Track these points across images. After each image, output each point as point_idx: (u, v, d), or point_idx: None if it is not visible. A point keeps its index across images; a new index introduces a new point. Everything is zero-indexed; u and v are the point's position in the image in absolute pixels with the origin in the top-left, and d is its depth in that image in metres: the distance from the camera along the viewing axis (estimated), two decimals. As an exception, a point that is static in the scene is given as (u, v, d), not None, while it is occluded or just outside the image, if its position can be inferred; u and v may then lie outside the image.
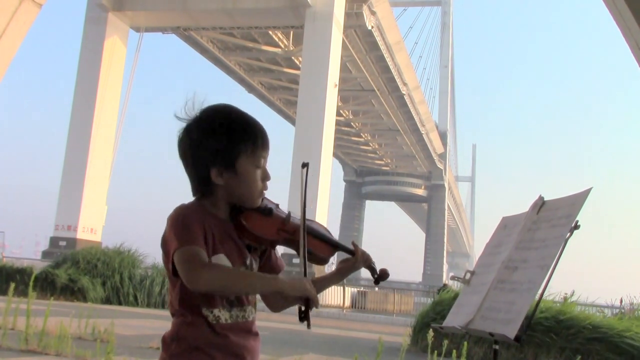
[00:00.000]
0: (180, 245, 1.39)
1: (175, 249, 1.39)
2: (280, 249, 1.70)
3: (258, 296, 1.61)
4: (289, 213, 1.58)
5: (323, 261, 1.60)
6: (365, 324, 17.86)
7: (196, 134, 1.50)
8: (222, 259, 1.47)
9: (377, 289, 28.29)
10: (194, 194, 1.53)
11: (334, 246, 1.62)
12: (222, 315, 1.48)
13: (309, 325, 1.41)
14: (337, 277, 1.66)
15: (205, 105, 1.56)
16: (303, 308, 1.41)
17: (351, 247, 1.67)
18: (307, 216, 1.57)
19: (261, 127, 1.55)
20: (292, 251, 1.59)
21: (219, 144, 1.48)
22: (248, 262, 1.54)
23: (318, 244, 1.57)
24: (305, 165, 1.56)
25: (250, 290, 1.44)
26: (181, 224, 1.43)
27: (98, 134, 36.86)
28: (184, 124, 1.54)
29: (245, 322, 1.52)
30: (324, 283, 1.65)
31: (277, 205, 1.60)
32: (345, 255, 1.70)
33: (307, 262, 1.50)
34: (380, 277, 1.69)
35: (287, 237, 1.54)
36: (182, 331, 1.49)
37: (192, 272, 1.36)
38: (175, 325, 1.53)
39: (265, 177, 1.55)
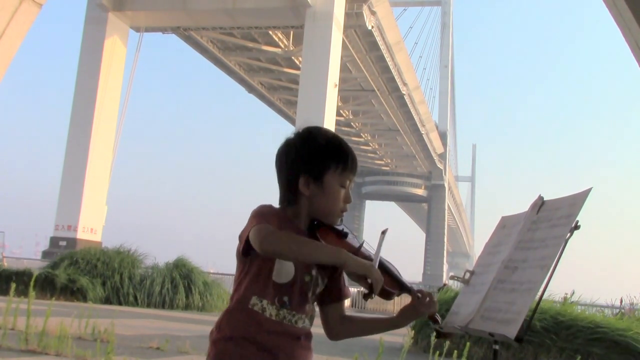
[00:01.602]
0: (258, 223, 1.49)
1: (252, 228, 1.48)
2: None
3: (317, 315, 1.65)
4: (363, 242, 1.64)
5: (388, 295, 1.58)
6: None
7: (295, 144, 1.63)
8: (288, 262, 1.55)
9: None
10: (281, 202, 1.63)
11: (401, 286, 1.62)
12: (269, 310, 1.52)
13: (369, 298, 1.48)
14: (399, 320, 1.67)
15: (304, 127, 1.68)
16: (367, 291, 1.46)
17: (416, 290, 1.66)
18: None
19: (353, 153, 1.65)
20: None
21: (313, 155, 1.60)
22: (314, 273, 1.58)
23: (386, 279, 1.56)
24: (384, 232, 1.63)
25: (315, 255, 1.46)
26: (261, 213, 1.54)
27: (98, 134, 36.88)
28: (286, 138, 1.66)
29: (291, 326, 1.55)
30: (383, 324, 1.69)
31: (355, 235, 1.67)
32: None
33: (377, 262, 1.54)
34: (442, 335, 1.69)
35: None
36: (225, 320, 1.56)
37: (263, 235, 1.44)
38: (221, 314, 1.59)
39: (347, 199, 1.65)
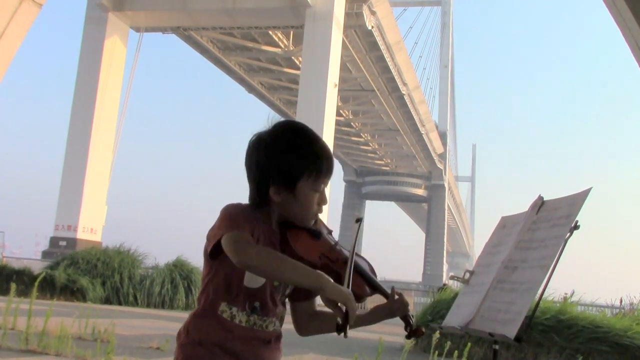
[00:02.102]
0: (231, 230, 1.42)
1: (224, 233, 1.42)
2: None
3: (288, 312, 1.62)
4: (337, 242, 1.59)
5: (358, 299, 1.52)
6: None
7: (266, 148, 1.53)
8: None
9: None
10: (250, 201, 1.56)
11: (374, 287, 1.57)
12: (239, 316, 1.49)
13: (345, 335, 1.38)
14: (369, 318, 1.62)
15: (282, 120, 1.60)
16: (341, 321, 1.38)
17: (389, 291, 1.61)
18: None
19: (329, 154, 1.58)
20: None
21: (285, 164, 1.51)
22: None
23: (358, 282, 1.52)
24: (359, 220, 1.61)
25: (294, 276, 1.40)
26: (233, 215, 1.47)
27: (98, 134, 36.90)
28: (257, 133, 1.57)
29: (262, 331, 1.51)
30: (357, 321, 1.59)
31: (330, 232, 1.61)
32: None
33: (351, 274, 1.47)
34: (414, 332, 1.60)
35: (328, 264, 1.52)
36: (193, 323, 1.52)
37: (240, 248, 1.39)
38: (189, 316, 1.55)
39: (322, 201, 1.57)
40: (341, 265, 1.51)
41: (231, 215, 1.47)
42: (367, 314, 1.63)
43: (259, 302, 1.50)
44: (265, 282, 1.51)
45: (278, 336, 1.57)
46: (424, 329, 1.62)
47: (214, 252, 1.46)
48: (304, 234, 1.55)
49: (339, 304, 1.38)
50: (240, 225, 1.44)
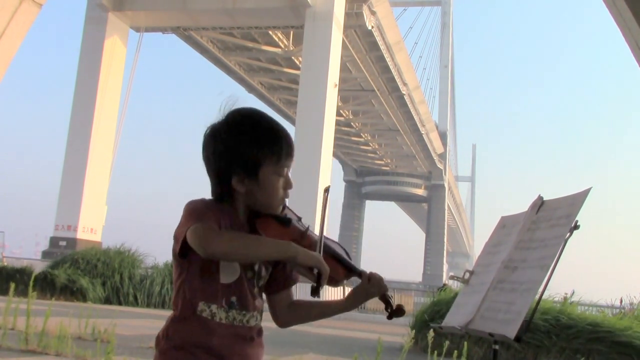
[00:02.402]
0: (195, 223, 1.37)
1: (188, 228, 1.37)
2: None
3: (266, 306, 1.59)
4: (308, 227, 1.55)
5: (334, 282, 1.51)
6: (365, 324, 17.85)
7: (222, 138, 1.48)
8: None
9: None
10: (213, 195, 1.51)
11: (349, 269, 1.54)
12: (219, 314, 1.44)
13: (319, 296, 1.41)
14: (347, 303, 1.58)
15: (235, 107, 1.53)
16: (314, 283, 1.40)
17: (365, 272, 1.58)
18: (308, 218, 1.56)
19: (287, 136, 1.52)
20: None
21: (244, 151, 1.46)
22: (256, 268, 1.51)
23: (332, 265, 1.48)
24: (327, 190, 1.58)
25: (265, 252, 1.40)
26: (196, 209, 1.43)
27: (98, 134, 36.91)
28: (211, 124, 1.52)
29: (242, 327, 1.47)
30: (331, 308, 1.60)
31: (299, 219, 1.58)
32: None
33: (321, 252, 1.47)
34: (395, 312, 1.57)
35: None
36: (172, 328, 1.47)
37: (205, 237, 1.35)
38: (167, 321, 1.50)
39: (288, 185, 1.52)
40: (314, 251, 1.48)
41: (194, 210, 1.42)
42: (344, 300, 1.58)
43: (235, 297, 1.46)
44: (240, 275, 1.47)
45: (259, 331, 1.53)
46: (404, 308, 1.58)
47: (182, 251, 1.42)
48: (273, 222, 1.50)
49: (313, 270, 1.39)
50: (204, 217, 1.39)
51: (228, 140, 1.47)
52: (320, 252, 1.46)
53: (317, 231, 1.53)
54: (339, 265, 1.53)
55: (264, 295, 1.58)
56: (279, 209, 1.53)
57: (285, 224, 1.51)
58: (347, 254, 1.59)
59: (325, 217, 1.54)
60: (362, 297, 1.56)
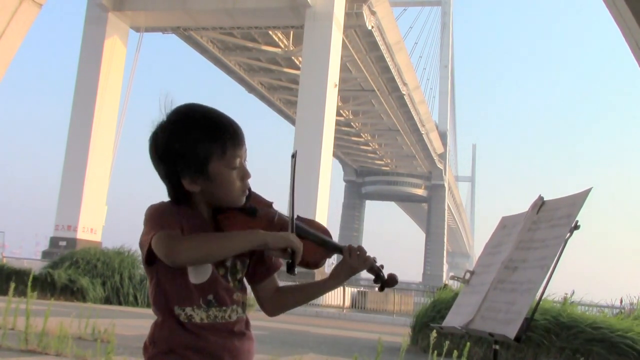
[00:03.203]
0: (156, 232, 1.34)
1: (153, 235, 1.33)
2: None
3: (252, 297, 1.57)
4: (277, 212, 1.50)
5: (314, 264, 1.47)
6: (365, 324, 17.86)
7: (162, 141, 1.42)
8: None
9: (376, 289, 28.23)
10: (170, 197, 1.46)
11: (326, 247, 1.49)
12: (197, 314, 1.42)
13: (294, 273, 1.38)
14: (332, 282, 1.54)
15: (173, 106, 1.46)
16: (289, 261, 1.37)
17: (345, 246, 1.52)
18: (308, 217, 1.54)
19: (230, 124, 1.44)
20: None
21: (185, 150, 1.39)
22: (228, 264, 1.46)
23: (308, 246, 1.43)
24: (294, 155, 1.50)
25: (233, 247, 1.36)
26: (156, 216, 1.39)
27: (98, 134, 36.90)
28: (152, 129, 1.46)
29: (225, 323, 1.44)
30: (317, 288, 1.57)
31: (270, 204, 1.52)
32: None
33: (293, 223, 1.44)
34: (386, 282, 1.52)
35: None
36: (157, 333, 1.45)
37: (170, 247, 1.31)
38: (151, 327, 1.47)
39: (244, 175, 1.45)
40: (289, 217, 1.45)
41: (154, 216, 1.39)
42: (328, 278, 1.55)
43: (212, 295, 1.43)
44: (213, 273, 1.43)
45: (246, 324, 1.50)
46: (397, 277, 1.53)
47: (149, 259, 1.38)
48: (238, 215, 1.45)
49: (286, 250, 1.37)
50: (165, 224, 1.35)
51: (168, 142, 1.41)
52: (292, 231, 1.42)
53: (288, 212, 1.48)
54: (315, 245, 1.48)
55: (248, 288, 1.55)
56: (241, 201, 1.46)
57: (251, 214, 1.46)
58: (325, 232, 1.53)
59: (295, 186, 1.47)
60: (346, 272, 1.52)
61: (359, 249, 1.51)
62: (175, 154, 1.40)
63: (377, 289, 1.55)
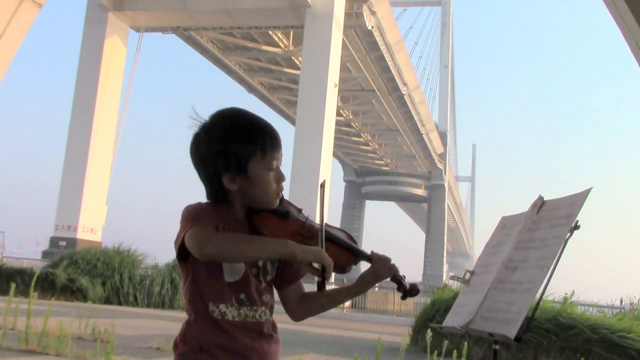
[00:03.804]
0: (190, 227, 1.39)
1: (186, 233, 1.39)
2: None
3: (277, 298, 1.60)
4: (307, 217, 1.56)
5: (341, 269, 1.52)
6: (365, 324, 17.87)
7: (204, 141, 1.50)
8: None
9: (377, 288, 28.31)
10: (208, 198, 1.52)
11: (354, 254, 1.54)
12: (230, 312, 1.47)
13: (324, 290, 1.44)
14: (358, 287, 1.59)
15: (215, 110, 1.54)
16: (319, 277, 1.41)
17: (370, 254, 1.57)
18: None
19: (270, 128, 1.52)
20: None
21: (227, 150, 1.47)
22: (260, 264, 1.53)
23: (336, 252, 1.50)
24: (322, 185, 1.58)
25: (262, 253, 1.42)
26: (192, 214, 1.44)
27: (98, 134, 36.91)
28: (193, 131, 1.53)
29: (255, 323, 1.49)
30: (343, 294, 1.62)
31: (299, 210, 1.58)
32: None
33: (324, 242, 1.48)
34: (409, 292, 1.56)
35: (303, 241, 1.49)
36: (188, 331, 1.49)
37: (202, 240, 1.37)
38: (182, 325, 1.52)
39: (280, 178, 1.53)
40: (316, 241, 1.49)
41: (190, 214, 1.44)
42: (354, 284, 1.59)
43: (244, 294, 1.48)
44: (245, 273, 1.49)
45: (274, 326, 1.55)
46: (419, 287, 1.58)
47: (182, 255, 1.44)
48: (272, 217, 1.51)
49: (314, 264, 1.40)
50: (199, 220, 1.41)
51: (210, 142, 1.48)
52: (322, 245, 1.46)
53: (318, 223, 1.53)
54: (344, 251, 1.53)
55: (274, 292, 1.59)
56: (275, 203, 1.53)
57: (284, 217, 1.51)
58: (351, 238, 1.58)
59: (325, 212, 1.52)
60: (371, 280, 1.56)
61: (385, 259, 1.56)
62: (217, 153, 1.47)
63: (400, 297, 1.62)
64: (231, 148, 1.47)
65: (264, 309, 1.51)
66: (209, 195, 1.52)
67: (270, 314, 1.54)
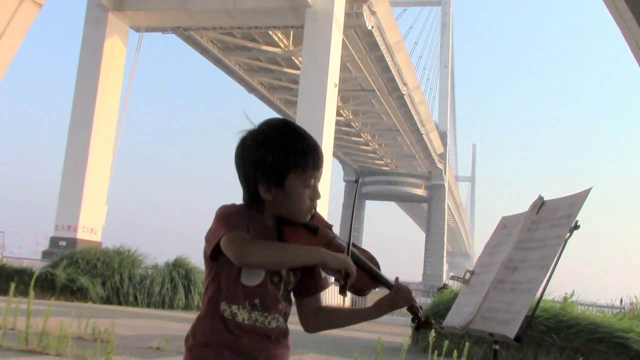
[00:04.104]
0: (229, 231, 1.44)
1: (223, 235, 1.44)
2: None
3: (294, 311, 1.63)
4: (336, 236, 1.60)
5: (360, 292, 1.56)
6: (365, 324, 17.81)
7: (250, 148, 1.53)
8: None
9: (377, 289, 28.35)
10: (244, 202, 1.57)
11: (376, 279, 1.58)
12: (241, 314, 1.50)
13: (345, 294, 1.47)
14: (374, 312, 1.60)
15: (265, 118, 1.59)
16: (342, 282, 1.46)
17: (392, 282, 1.60)
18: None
19: (315, 146, 1.54)
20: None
21: (270, 160, 1.50)
22: (283, 272, 1.55)
23: (360, 275, 1.52)
24: (357, 180, 1.65)
25: (295, 259, 1.46)
26: (228, 216, 1.49)
27: (98, 134, 36.88)
28: (241, 134, 1.57)
29: (264, 328, 1.52)
30: (359, 315, 1.64)
31: (329, 227, 1.62)
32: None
33: (350, 247, 1.53)
34: (423, 324, 1.60)
35: None
36: (199, 326, 1.53)
37: (240, 248, 1.42)
38: (195, 319, 1.57)
39: (315, 196, 1.56)
40: (346, 245, 1.55)
41: (226, 217, 1.49)
42: (370, 308, 1.61)
43: (259, 299, 1.51)
44: (264, 279, 1.52)
45: (284, 333, 1.57)
46: (433, 321, 1.61)
47: (213, 255, 1.48)
48: (302, 230, 1.55)
49: (340, 271, 1.45)
50: (237, 226, 1.46)
51: (254, 150, 1.52)
52: (349, 243, 1.53)
53: (342, 234, 1.60)
54: (367, 276, 1.57)
55: (292, 300, 1.63)
56: (306, 218, 1.57)
57: (313, 232, 1.56)
58: (375, 263, 1.62)
59: (355, 210, 1.61)
60: (388, 307, 1.59)
61: (405, 290, 1.59)
62: (258, 161, 1.51)
63: (414, 327, 1.66)
64: (272, 158, 1.50)
65: (277, 316, 1.54)
66: (244, 199, 1.56)
67: (283, 321, 1.57)
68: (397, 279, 1.62)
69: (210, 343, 1.49)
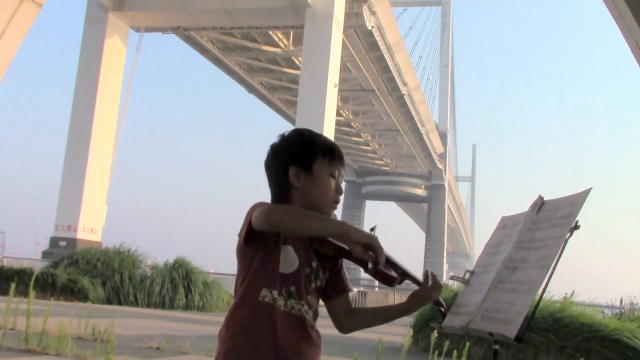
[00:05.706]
0: (259, 207, 1.50)
1: (253, 213, 1.50)
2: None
3: (323, 310, 1.66)
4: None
5: (390, 280, 1.59)
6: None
7: (280, 142, 1.67)
8: (289, 251, 1.57)
9: (377, 289, 28.30)
10: (273, 201, 1.65)
11: (403, 273, 1.64)
12: (279, 300, 1.54)
13: (379, 273, 1.50)
14: (407, 306, 1.70)
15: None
16: (371, 263, 1.47)
17: (421, 278, 1.69)
18: None
19: (340, 150, 1.70)
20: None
21: (299, 148, 1.64)
22: (314, 264, 1.61)
23: (387, 267, 1.57)
24: (373, 229, 1.65)
25: (321, 227, 1.48)
26: (259, 203, 1.56)
27: (98, 134, 36.91)
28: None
29: (300, 316, 1.56)
30: (392, 311, 1.73)
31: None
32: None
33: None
34: (444, 315, 1.71)
35: (351, 260, 1.57)
36: (231, 317, 1.57)
37: (268, 211, 1.46)
38: (229, 310, 1.60)
39: (339, 189, 1.67)
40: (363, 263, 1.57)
41: (257, 204, 1.55)
42: (404, 303, 1.70)
43: (294, 287, 1.56)
44: (299, 268, 1.57)
45: (317, 331, 1.61)
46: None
47: (248, 238, 1.53)
48: None
49: (368, 250, 1.45)
50: (265, 203, 1.55)
51: (285, 143, 1.66)
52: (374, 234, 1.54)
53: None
54: (392, 268, 1.61)
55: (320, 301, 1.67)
56: (332, 211, 1.67)
57: None
58: (404, 264, 1.67)
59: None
60: (422, 300, 1.69)
61: (439, 284, 1.70)
62: (290, 149, 1.65)
63: (440, 322, 1.77)
64: (302, 145, 1.65)
65: (307, 308, 1.58)
66: (273, 196, 1.66)
67: (314, 318, 1.61)
68: (426, 271, 1.71)
69: (242, 331, 1.52)
